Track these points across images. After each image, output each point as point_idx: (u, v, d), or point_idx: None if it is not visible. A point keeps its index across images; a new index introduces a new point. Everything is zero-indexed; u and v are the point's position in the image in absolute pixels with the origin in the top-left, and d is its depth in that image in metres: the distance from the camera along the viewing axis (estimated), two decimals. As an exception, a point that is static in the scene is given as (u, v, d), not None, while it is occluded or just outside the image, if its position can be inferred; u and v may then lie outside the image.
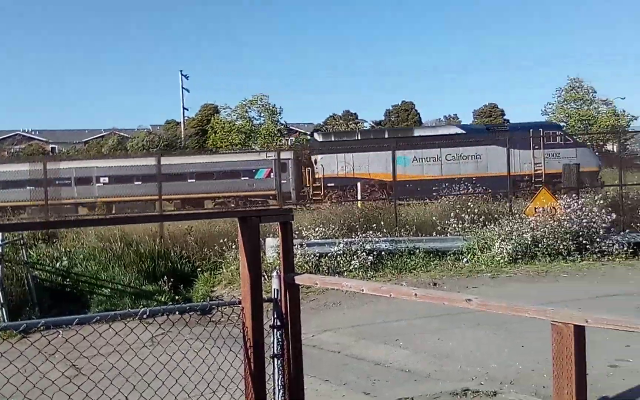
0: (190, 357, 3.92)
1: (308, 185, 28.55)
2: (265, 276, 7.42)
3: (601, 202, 13.15)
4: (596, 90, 49.80)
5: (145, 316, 3.17)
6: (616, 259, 12.28)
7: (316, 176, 28.34)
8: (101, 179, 28.55)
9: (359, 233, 12.97)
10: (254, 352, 3.32)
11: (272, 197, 26.46)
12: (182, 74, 52.34)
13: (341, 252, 12.38)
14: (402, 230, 13.79)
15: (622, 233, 12.77)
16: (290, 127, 57.64)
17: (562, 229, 12.40)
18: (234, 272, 11.80)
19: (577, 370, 2.32)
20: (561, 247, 12.32)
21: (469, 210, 14.02)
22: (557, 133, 28.12)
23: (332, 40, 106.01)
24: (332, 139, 31.98)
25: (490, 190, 17.42)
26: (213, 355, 3.84)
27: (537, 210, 13.21)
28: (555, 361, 2.33)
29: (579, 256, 12.30)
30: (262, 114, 50.31)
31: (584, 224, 12.46)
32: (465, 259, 12.86)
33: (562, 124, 49.61)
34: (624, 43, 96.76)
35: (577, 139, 29.79)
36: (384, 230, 13.28)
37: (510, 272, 11.85)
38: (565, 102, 50.23)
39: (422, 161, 27.58)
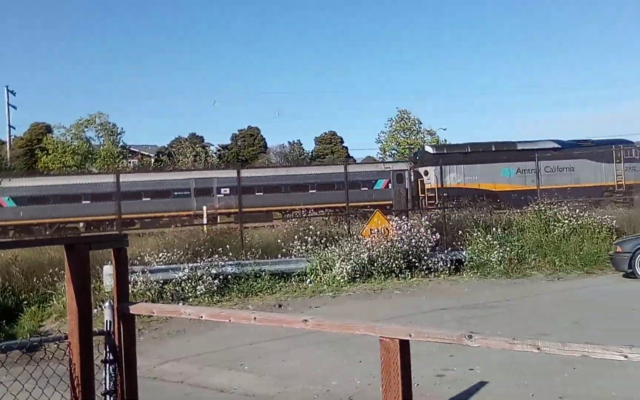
0: (7, 403, 3.51)
1: (422, 194, 30.24)
2: (101, 307, 6.94)
3: (427, 223, 14.41)
4: (421, 121, 55.29)
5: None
6: (441, 275, 13.51)
7: (427, 186, 30.12)
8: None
9: (204, 257, 12.74)
10: (83, 391, 3.08)
11: (389, 207, 27.16)
12: (8, 90, 47.57)
13: (186, 277, 12.05)
14: (248, 253, 13.82)
15: (445, 251, 14.10)
16: (133, 149, 55.08)
17: (395, 249, 13.36)
18: (66, 304, 10.84)
19: (403, 383, 2.51)
20: (394, 265, 13.26)
21: (311, 232, 14.50)
22: (633, 148, 31.99)
23: (177, 62, 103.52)
24: (444, 152, 33.13)
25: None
26: (34, 397, 3.48)
27: (372, 231, 14.09)
28: (383, 375, 2.50)
29: (409, 273, 13.32)
30: (100, 135, 47.45)
31: (413, 243, 13.56)
32: (308, 280, 13.24)
33: (393, 150, 54.06)
34: (440, 79, 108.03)
35: None
36: (230, 254, 13.20)
37: (350, 290, 12.47)
38: (396, 132, 54.87)
39: (524, 173, 29.41)
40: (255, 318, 2.97)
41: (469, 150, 32.65)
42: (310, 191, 29.58)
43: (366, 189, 30.26)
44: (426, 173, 30.63)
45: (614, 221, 14.96)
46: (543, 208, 15.42)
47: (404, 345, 2.47)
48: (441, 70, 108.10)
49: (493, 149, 32.15)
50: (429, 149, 35.26)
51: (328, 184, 29.28)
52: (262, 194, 29.09)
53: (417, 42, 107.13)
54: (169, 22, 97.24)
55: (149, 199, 28.19)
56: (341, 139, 66.88)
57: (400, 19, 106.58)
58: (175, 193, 29.05)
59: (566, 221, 14.59)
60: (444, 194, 28.80)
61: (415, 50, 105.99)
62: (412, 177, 31.34)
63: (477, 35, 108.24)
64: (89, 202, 27.43)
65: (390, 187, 30.67)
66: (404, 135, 54.58)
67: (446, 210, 16.73)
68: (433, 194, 29.65)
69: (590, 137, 35.58)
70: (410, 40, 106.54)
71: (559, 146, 32.21)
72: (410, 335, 2.44)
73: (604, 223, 14.60)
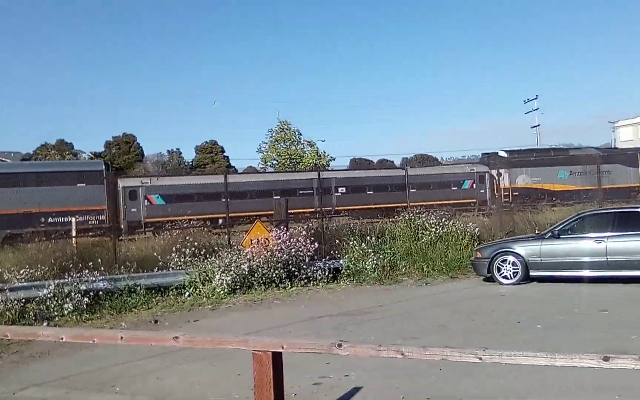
0: None
1: (497, 193, 34.60)
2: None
3: (305, 232, 14.70)
4: (301, 132, 56.35)
5: None
6: (320, 284, 13.84)
7: (501, 186, 35.32)
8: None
9: (73, 273, 11.95)
10: None
11: (473, 205, 32.90)
12: None
13: (52, 295, 11.23)
14: (123, 267, 13.20)
15: (323, 260, 14.47)
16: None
17: (275, 259, 13.47)
18: None
19: (275, 394, 2.57)
20: (274, 275, 13.36)
21: (189, 244, 14.19)
22: None
23: (45, 66, 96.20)
24: (515, 156, 39.40)
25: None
26: None
27: (252, 241, 14.09)
28: (256, 388, 2.55)
29: (289, 283, 13.49)
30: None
31: (293, 253, 13.76)
32: (187, 293, 12.93)
33: (274, 161, 54.67)
34: (325, 92, 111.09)
35: None
36: (102, 269, 12.52)
37: (230, 302, 12.36)
38: (277, 142, 55.35)
39: (575, 175, 36.44)
40: (122, 337, 2.89)
41: (535, 156, 40.28)
42: (412, 190, 34.08)
43: (456, 188, 36.60)
44: (500, 175, 35.66)
45: (476, 229, 16.26)
46: (412, 217, 16.36)
47: (277, 357, 2.54)
48: (321, 82, 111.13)
49: (552, 154, 40.07)
50: (502, 153, 40.91)
51: (426, 184, 35.37)
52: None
53: (301, 54, 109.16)
54: (27, 23, 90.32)
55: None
56: (222, 148, 66.18)
57: (284, 31, 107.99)
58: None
59: (433, 229, 15.60)
60: (515, 194, 35.15)
61: (296, 62, 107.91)
62: (490, 179, 37.01)
63: (360, 50, 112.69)
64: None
65: (474, 187, 36.96)
66: (285, 146, 55.21)
67: (324, 220, 17.16)
68: (507, 194, 35.00)
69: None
70: (296, 52, 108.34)
71: (600, 152, 37.96)
72: (283, 347, 2.51)
73: (467, 230, 15.81)
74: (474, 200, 35.21)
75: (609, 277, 12.03)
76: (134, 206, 32.48)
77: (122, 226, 29.32)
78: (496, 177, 36.83)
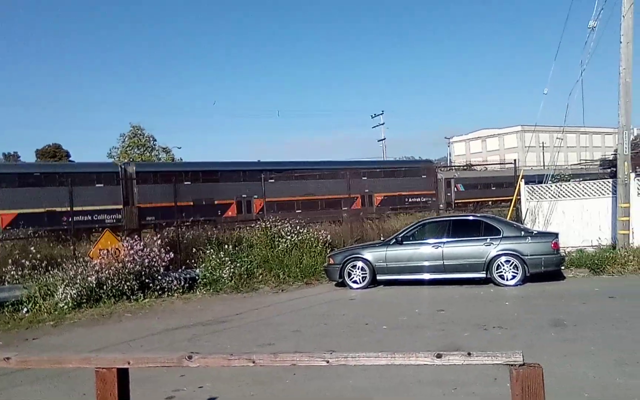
0: None
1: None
2: None
3: (160, 242, 14.22)
4: (156, 138, 54.44)
5: None
6: (175, 294, 13.47)
7: None
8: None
9: None
10: None
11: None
12: None
13: None
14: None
15: (179, 270, 14.11)
16: None
17: (126, 270, 12.85)
18: None
19: (122, 412, 2.50)
20: (125, 287, 12.74)
21: (30, 255, 13.02)
22: None
23: None
24: None
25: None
26: None
27: (102, 252, 13.31)
28: (100, 407, 2.45)
29: (142, 295, 12.95)
30: None
31: (146, 263, 13.23)
32: (25, 309, 11.87)
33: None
34: (177, 98, 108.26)
35: None
36: None
37: (75, 317, 11.56)
38: (129, 147, 52.74)
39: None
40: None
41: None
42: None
43: None
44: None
45: (328, 236, 16.91)
46: (269, 225, 16.58)
47: (123, 374, 2.47)
48: (173, 89, 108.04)
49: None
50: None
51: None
52: None
53: (151, 60, 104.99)
54: None
55: None
56: (67, 152, 61.49)
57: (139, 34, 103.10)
58: None
59: (289, 237, 15.96)
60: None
61: (147, 67, 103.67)
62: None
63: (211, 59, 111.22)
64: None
65: None
66: (138, 151, 52.77)
67: (180, 228, 16.73)
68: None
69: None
70: (148, 57, 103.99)
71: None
72: (129, 363, 2.46)
73: (320, 238, 16.38)
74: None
75: (446, 279, 13.23)
76: None
77: None
78: None
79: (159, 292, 13.29)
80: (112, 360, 2.46)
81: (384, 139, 68.03)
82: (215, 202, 37.51)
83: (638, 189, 15.67)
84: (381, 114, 68.51)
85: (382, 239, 15.46)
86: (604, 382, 5.97)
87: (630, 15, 14.47)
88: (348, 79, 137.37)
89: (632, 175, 15.61)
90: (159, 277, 13.41)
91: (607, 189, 16.36)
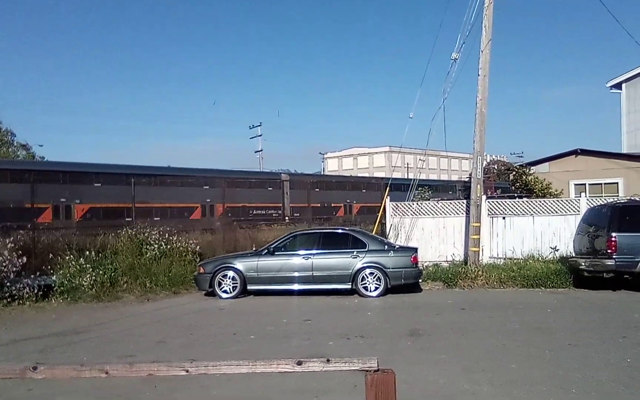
0: None
1: None
2: None
3: (11, 245, 13.05)
4: (15, 133, 50.06)
5: None
6: (27, 302, 12.43)
7: None
8: None
9: None
10: None
11: None
12: None
13: None
14: None
15: (32, 276, 13.03)
16: None
17: (-30, 276, 11.64)
18: None
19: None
20: (-32, 294, 11.52)
21: None
22: None
23: None
24: None
25: None
26: None
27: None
28: None
29: (-13, 303, 11.79)
30: None
31: (-6, 268, 12.08)
32: None
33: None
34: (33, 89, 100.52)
35: None
36: None
37: None
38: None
39: None
40: None
41: None
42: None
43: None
44: None
45: (198, 246, 16.57)
46: (136, 232, 15.88)
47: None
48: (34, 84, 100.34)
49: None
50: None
51: None
52: None
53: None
54: None
55: None
56: None
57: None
58: None
59: (157, 245, 15.42)
60: None
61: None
62: None
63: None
64: None
65: None
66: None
67: (36, 231, 15.47)
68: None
69: None
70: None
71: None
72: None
73: (189, 247, 16.02)
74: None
75: (315, 289, 13.59)
76: None
77: None
78: None
79: (8, 300, 12.22)
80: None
81: (261, 150, 68.37)
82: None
83: (488, 210, 17.29)
84: (259, 125, 68.86)
85: (254, 249, 15.50)
86: (453, 388, 6.49)
87: (487, 50, 15.99)
88: (225, 89, 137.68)
89: (484, 197, 17.19)
90: (9, 284, 12.31)
91: (462, 208, 17.84)
